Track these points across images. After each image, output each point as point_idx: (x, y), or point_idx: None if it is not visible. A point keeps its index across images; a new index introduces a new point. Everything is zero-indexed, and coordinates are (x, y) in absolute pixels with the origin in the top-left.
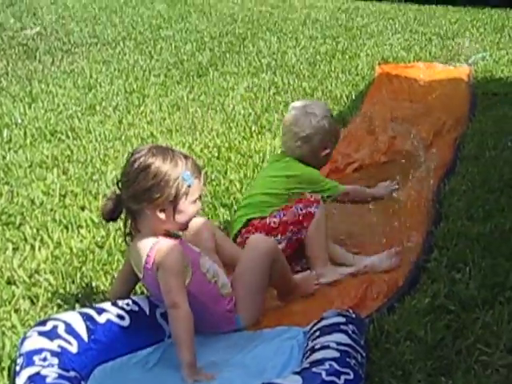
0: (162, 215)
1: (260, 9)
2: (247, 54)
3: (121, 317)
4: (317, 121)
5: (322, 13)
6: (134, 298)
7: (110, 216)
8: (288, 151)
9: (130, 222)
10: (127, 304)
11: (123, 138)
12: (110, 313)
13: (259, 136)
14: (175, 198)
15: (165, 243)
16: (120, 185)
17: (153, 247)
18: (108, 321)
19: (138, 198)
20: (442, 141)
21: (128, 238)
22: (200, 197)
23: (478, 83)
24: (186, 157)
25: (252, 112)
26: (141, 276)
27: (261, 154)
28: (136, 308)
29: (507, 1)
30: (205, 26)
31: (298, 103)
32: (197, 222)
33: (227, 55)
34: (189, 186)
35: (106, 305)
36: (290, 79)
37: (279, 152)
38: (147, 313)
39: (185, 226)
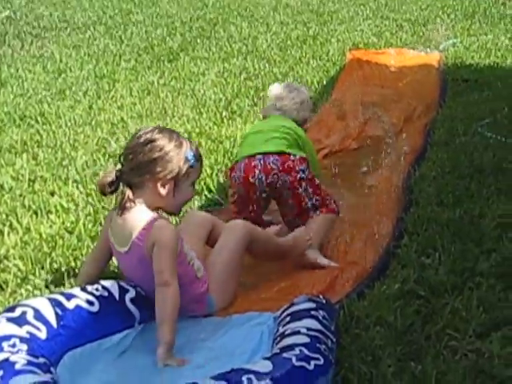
0: (162, 190)
1: None
2: (218, 39)
3: (90, 302)
4: (304, 93)
5: None
6: (103, 282)
7: (108, 189)
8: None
9: (125, 196)
10: (96, 289)
11: (93, 123)
12: (79, 298)
13: (230, 121)
14: (177, 175)
15: (164, 221)
16: (122, 159)
17: (151, 222)
18: (77, 306)
19: (141, 169)
20: (412, 127)
21: (118, 211)
22: (196, 181)
23: (448, 69)
24: (190, 141)
25: (223, 97)
26: (124, 249)
27: (231, 140)
28: (105, 293)
29: None
30: (175, 11)
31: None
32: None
33: (198, 40)
34: (191, 167)
35: (76, 290)
36: (260, 65)
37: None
38: (117, 298)
39: (179, 209)
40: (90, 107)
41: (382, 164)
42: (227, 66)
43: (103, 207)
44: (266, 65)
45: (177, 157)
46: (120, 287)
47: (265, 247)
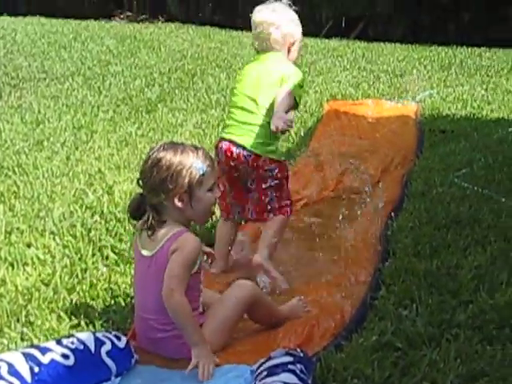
0: (179, 204)
1: (209, 45)
2: (196, 90)
3: (65, 356)
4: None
5: None
6: (78, 335)
7: (136, 213)
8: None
9: (149, 218)
10: (72, 342)
11: (71, 174)
12: (54, 352)
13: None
14: (189, 186)
15: (191, 234)
16: (140, 183)
17: (178, 233)
18: (52, 360)
19: (155, 190)
20: (389, 177)
21: (148, 232)
22: (215, 184)
23: (425, 120)
24: (196, 148)
25: None
26: (150, 253)
27: None
28: (81, 346)
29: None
30: (154, 62)
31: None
32: None
33: (176, 91)
34: (202, 175)
35: (51, 344)
36: None
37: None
38: (92, 351)
39: (205, 216)
40: (68, 158)
41: (359, 215)
42: (205, 117)
43: (79, 259)
44: None
45: (185, 169)
46: (96, 339)
47: (265, 313)
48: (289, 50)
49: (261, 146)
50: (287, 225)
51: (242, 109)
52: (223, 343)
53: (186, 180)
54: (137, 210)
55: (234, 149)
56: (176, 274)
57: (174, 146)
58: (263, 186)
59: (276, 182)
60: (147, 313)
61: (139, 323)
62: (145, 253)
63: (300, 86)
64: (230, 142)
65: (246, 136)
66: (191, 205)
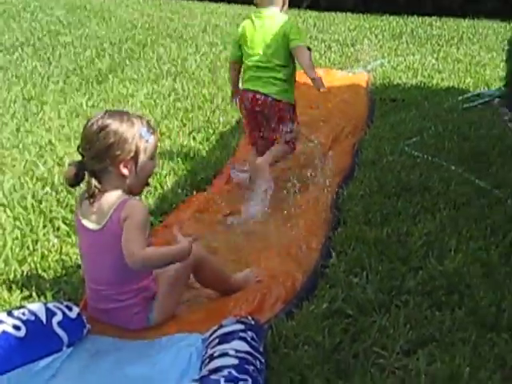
0: (125, 170)
1: (160, 15)
2: (147, 60)
3: (16, 327)
4: None
5: (222, 19)
6: (29, 306)
7: (74, 181)
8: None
9: (91, 185)
10: (23, 313)
11: (21, 145)
12: (5, 323)
13: (159, 143)
14: (135, 153)
15: (136, 200)
16: (81, 150)
17: (124, 201)
18: (3, 332)
19: (100, 156)
20: (340, 146)
21: (89, 200)
22: (155, 153)
23: (376, 89)
24: (140, 117)
25: (152, 119)
26: (97, 227)
27: (160, 162)
28: (32, 317)
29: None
30: (104, 32)
31: None
32: None
33: (127, 62)
34: (147, 142)
35: (2, 315)
36: (190, 86)
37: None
38: (44, 322)
39: (143, 185)
40: (18, 130)
41: (310, 184)
42: (156, 88)
43: (30, 230)
44: (196, 86)
45: (132, 136)
46: (47, 310)
47: (212, 276)
48: (283, 4)
49: (281, 92)
50: (288, 155)
51: (258, 66)
52: (174, 307)
53: (133, 147)
54: (75, 177)
55: (258, 96)
56: (132, 238)
57: (119, 113)
58: (281, 124)
59: (290, 121)
60: (99, 284)
61: (90, 294)
62: (90, 226)
63: (298, 28)
64: (254, 92)
65: (267, 86)
66: (136, 172)
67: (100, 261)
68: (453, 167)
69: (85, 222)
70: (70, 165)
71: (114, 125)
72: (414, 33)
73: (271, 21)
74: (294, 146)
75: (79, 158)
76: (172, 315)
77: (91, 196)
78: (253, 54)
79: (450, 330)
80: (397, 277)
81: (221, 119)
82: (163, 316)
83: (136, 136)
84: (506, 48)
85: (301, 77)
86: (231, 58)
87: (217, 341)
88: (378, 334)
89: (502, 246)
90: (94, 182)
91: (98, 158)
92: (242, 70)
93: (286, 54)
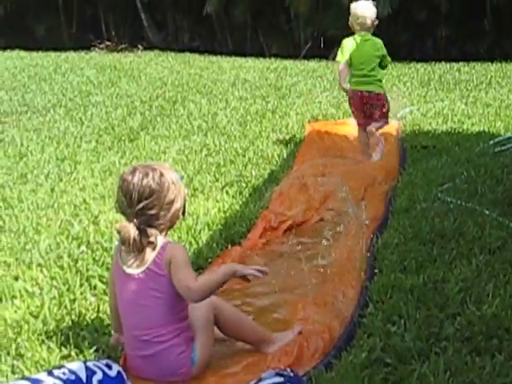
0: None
1: (189, 71)
2: (178, 116)
3: None
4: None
5: (250, 73)
6: (69, 366)
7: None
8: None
9: (141, 240)
10: (63, 373)
11: (56, 205)
12: (46, 383)
13: (192, 198)
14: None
15: (174, 243)
16: (138, 213)
17: (164, 244)
18: None
19: (165, 207)
20: (373, 195)
21: (137, 252)
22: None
23: (406, 137)
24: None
25: (184, 175)
26: (139, 271)
27: (194, 217)
28: (72, 377)
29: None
30: (135, 91)
31: None
32: None
33: (158, 119)
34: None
35: (42, 375)
36: (221, 140)
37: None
38: (84, 381)
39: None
40: (52, 190)
41: (344, 234)
42: (188, 143)
43: (67, 290)
44: (227, 140)
45: (178, 184)
46: (87, 369)
47: (232, 325)
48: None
49: (378, 87)
50: (383, 128)
51: (363, 70)
52: (211, 348)
53: (183, 193)
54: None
55: (365, 94)
56: (183, 276)
57: (151, 166)
58: (382, 108)
59: (385, 106)
60: (144, 329)
61: (132, 343)
62: (133, 271)
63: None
64: (361, 91)
65: (370, 85)
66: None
67: (145, 303)
68: (487, 212)
69: (127, 269)
70: (125, 227)
71: (167, 175)
72: (442, 79)
73: (372, 40)
74: (387, 120)
75: (115, 216)
76: (210, 361)
77: (139, 250)
78: (357, 62)
79: (491, 375)
80: (435, 324)
81: (253, 173)
82: (204, 357)
83: (179, 183)
84: None
85: (332, 128)
86: None
87: None
88: (418, 382)
89: None
90: (142, 238)
91: (161, 208)
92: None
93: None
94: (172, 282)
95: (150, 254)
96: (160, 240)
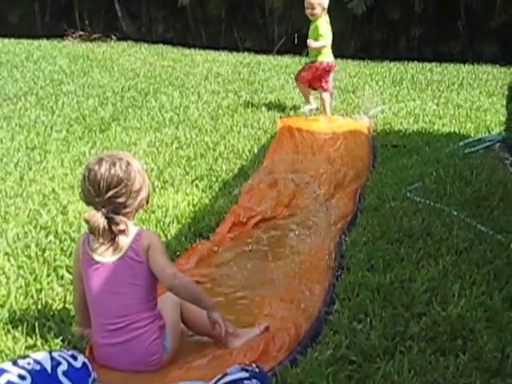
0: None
1: (162, 63)
2: (149, 108)
3: (22, 377)
4: None
5: (223, 67)
6: (34, 356)
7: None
8: None
9: (113, 230)
10: (28, 363)
11: (24, 194)
12: (10, 373)
13: (162, 191)
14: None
15: (148, 231)
16: (97, 197)
17: (139, 232)
18: (8, 382)
19: (130, 195)
20: (343, 192)
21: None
22: None
23: (377, 135)
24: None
25: (154, 167)
26: (115, 258)
27: (163, 209)
28: (37, 367)
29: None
30: (107, 81)
31: None
32: None
33: (130, 110)
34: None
35: (7, 365)
36: (192, 134)
37: None
38: (49, 371)
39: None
40: (21, 178)
41: (313, 231)
42: (159, 136)
43: (34, 279)
44: (198, 134)
45: (143, 172)
46: (52, 359)
47: (195, 319)
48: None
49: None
50: None
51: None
52: (180, 338)
53: (147, 182)
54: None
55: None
56: (165, 263)
57: (117, 155)
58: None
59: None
60: (119, 316)
61: (103, 332)
62: (105, 259)
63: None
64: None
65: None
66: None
67: (120, 292)
68: (455, 212)
69: (98, 258)
70: (92, 220)
71: (134, 167)
72: (415, 78)
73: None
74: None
75: (84, 206)
76: (177, 353)
77: (111, 239)
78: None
79: (454, 376)
80: (400, 323)
81: (223, 167)
82: (174, 346)
83: (144, 170)
84: (506, 93)
85: (303, 124)
86: None
87: None
88: (382, 381)
89: (505, 291)
90: (113, 228)
91: (132, 197)
92: None
93: None
94: (149, 268)
95: (124, 241)
96: (132, 227)
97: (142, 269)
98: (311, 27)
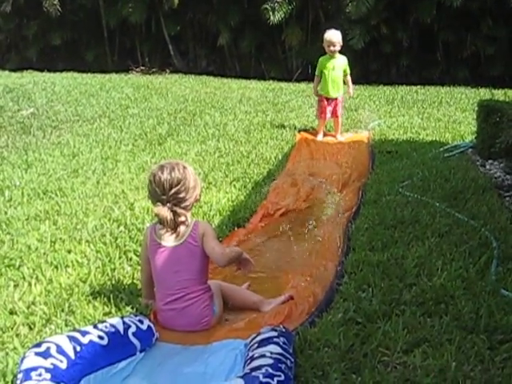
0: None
1: (206, 90)
2: (197, 126)
3: (101, 337)
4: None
5: (253, 92)
6: (110, 320)
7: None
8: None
9: (176, 221)
10: (105, 326)
11: (100, 194)
12: (91, 334)
13: (207, 190)
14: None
15: (202, 221)
16: (162, 195)
17: (195, 222)
18: (90, 341)
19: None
20: (348, 189)
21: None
22: None
23: (375, 144)
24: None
25: (201, 171)
26: (178, 243)
27: (208, 205)
28: (112, 329)
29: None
30: (163, 105)
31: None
32: None
33: (181, 127)
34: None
35: (89, 328)
36: (230, 145)
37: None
38: (122, 333)
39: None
40: (98, 182)
41: (326, 220)
42: (204, 147)
43: (109, 261)
44: (234, 145)
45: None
46: (124, 323)
47: (233, 295)
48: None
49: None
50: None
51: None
52: (222, 313)
53: (199, 181)
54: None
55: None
56: (216, 245)
57: (174, 162)
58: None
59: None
60: (179, 288)
61: (164, 299)
62: (170, 244)
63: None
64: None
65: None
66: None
67: (181, 267)
68: (437, 204)
69: (164, 243)
70: (161, 210)
71: (188, 171)
72: (404, 99)
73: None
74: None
75: (147, 204)
76: (222, 317)
77: (174, 228)
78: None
79: (439, 332)
80: (396, 291)
81: (255, 171)
82: (220, 310)
83: (193, 174)
84: (476, 109)
85: (314, 135)
86: None
87: (256, 345)
88: (382, 337)
89: (478, 265)
90: (176, 219)
91: (187, 193)
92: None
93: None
94: (203, 251)
95: (185, 230)
96: (190, 219)
97: (197, 251)
98: (335, 63)
